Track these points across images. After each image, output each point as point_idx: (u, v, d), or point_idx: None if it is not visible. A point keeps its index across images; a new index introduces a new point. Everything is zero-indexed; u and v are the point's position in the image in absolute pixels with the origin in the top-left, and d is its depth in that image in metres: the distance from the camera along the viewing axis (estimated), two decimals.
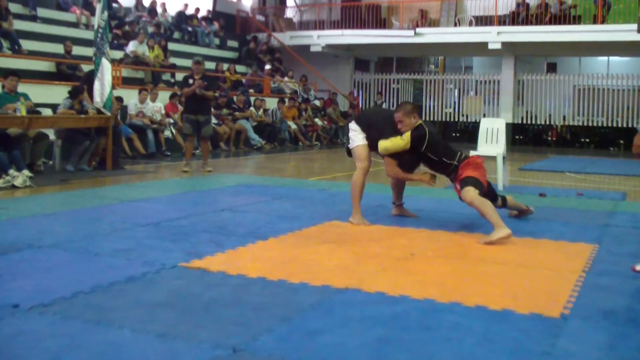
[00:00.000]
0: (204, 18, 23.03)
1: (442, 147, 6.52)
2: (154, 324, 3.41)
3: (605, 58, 24.14)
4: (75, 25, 17.62)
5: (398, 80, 25.88)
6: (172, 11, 22.07)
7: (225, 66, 20.27)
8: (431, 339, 3.31)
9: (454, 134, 25.69)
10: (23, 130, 9.86)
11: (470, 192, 6.07)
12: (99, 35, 11.36)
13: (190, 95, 11.03)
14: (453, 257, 5.17)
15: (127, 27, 18.44)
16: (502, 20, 21.89)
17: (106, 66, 11.36)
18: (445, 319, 3.58)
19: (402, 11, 23.47)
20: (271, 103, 19.58)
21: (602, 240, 5.90)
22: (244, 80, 20.54)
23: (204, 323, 3.45)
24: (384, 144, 6.46)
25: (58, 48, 15.26)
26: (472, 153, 9.68)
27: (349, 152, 6.90)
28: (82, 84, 11.57)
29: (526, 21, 21.53)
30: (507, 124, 11.84)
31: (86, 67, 12.49)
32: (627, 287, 4.38)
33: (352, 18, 24.04)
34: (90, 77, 11.60)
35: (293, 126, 19.39)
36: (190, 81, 11.03)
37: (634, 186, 11.32)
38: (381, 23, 24.17)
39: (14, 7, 15.80)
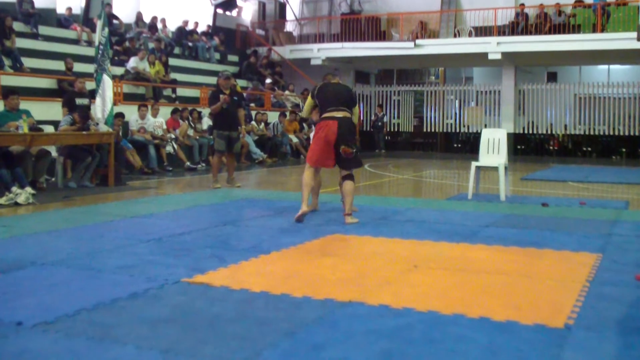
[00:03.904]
0: (204, 33, 23.11)
1: (323, 104, 7.52)
2: (157, 340, 3.40)
3: (605, 66, 24.17)
4: (76, 42, 17.70)
5: (399, 92, 25.91)
6: (172, 27, 22.14)
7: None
8: (435, 351, 3.30)
9: (455, 145, 25.69)
10: (25, 147, 9.88)
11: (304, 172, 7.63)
12: (100, 51, 11.40)
13: (219, 111, 10.88)
14: (456, 268, 5.16)
15: (127, 43, 18.51)
16: (501, 31, 21.94)
17: (107, 82, 11.40)
18: (449, 331, 3.58)
19: (402, 23, 23.54)
20: (272, 117, 19.61)
21: (606, 250, 5.89)
22: (245, 95, 20.57)
23: (207, 339, 3.44)
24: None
25: (59, 65, 15.31)
26: (473, 164, 9.74)
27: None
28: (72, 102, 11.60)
29: (526, 31, 21.59)
30: (509, 134, 11.82)
31: (88, 84, 12.49)
32: (632, 296, 4.36)
33: (352, 31, 24.11)
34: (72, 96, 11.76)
35: (294, 139, 19.42)
36: (221, 97, 10.82)
37: (637, 194, 11.31)
38: (381, 35, 24.24)
39: (16, 26, 15.85)
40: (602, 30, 20.28)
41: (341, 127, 7.32)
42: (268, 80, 22.50)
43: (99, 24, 11.61)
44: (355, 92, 8.05)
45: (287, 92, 22.57)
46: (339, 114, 7.41)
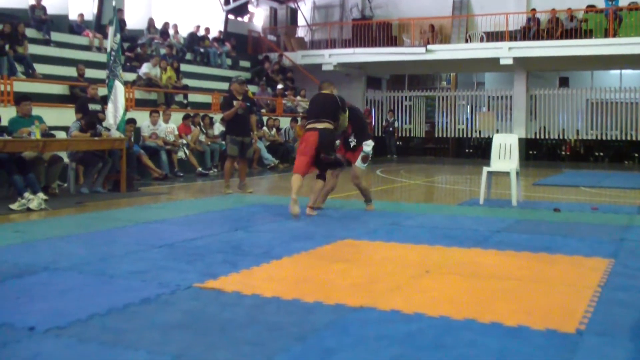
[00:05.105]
0: (215, 39, 23.15)
1: (309, 116, 8.43)
2: (169, 346, 3.41)
3: (617, 71, 24.10)
4: (88, 48, 17.78)
5: (410, 97, 25.93)
6: (184, 33, 22.20)
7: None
8: (447, 357, 3.29)
9: (467, 150, 25.66)
10: (38, 153, 9.93)
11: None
12: (112, 57, 11.44)
13: (232, 116, 10.87)
14: (467, 274, 5.15)
15: (139, 50, 18.56)
16: (513, 36, 21.90)
17: (119, 88, 11.43)
18: (460, 337, 3.57)
19: (413, 28, 23.54)
20: (284, 122, 19.64)
21: (618, 255, 5.86)
22: (256, 100, 20.59)
23: (219, 344, 3.45)
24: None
25: (71, 71, 15.38)
26: (484, 169, 9.72)
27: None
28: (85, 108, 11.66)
29: (537, 36, 21.54)
30: (521, 139, 11.82)
31: (100, 90, 12.55)
32: None
33: (363, 36, 24.12)
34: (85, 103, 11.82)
35: None
36: (235, 103, 10.85)
37: None
38: (392, 41, 24.24)
39: (29, 32, 15.93)
40: (614, 35, 20.22)
41: (321, 137, 8.14)
42: (279, 86, 22.50)
43: (110, 30, 11.64)
44: (343, 101, 8.35)
45: (298, 98, 22.58)
46: (320, 126, 8.21)
